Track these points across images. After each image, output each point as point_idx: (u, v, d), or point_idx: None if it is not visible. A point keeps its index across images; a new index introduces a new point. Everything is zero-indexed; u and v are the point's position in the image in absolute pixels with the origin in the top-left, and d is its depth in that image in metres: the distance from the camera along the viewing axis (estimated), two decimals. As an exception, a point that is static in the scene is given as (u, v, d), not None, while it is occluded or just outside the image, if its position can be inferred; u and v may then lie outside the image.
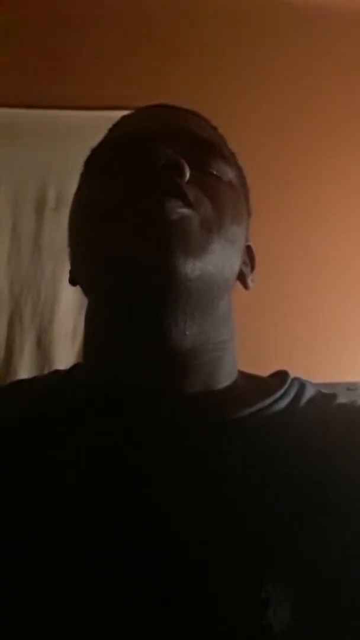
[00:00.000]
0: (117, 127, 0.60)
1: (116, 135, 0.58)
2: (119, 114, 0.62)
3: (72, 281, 0.59)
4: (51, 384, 0.58)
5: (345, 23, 1.77)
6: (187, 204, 0.49)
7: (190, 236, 0.48)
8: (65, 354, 1.60)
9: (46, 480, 0.47)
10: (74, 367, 0.60)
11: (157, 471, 0.46)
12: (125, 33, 1.70)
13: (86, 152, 0.58)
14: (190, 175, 0.50)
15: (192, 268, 0.48)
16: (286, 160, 1.71)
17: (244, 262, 0.58)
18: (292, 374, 0.58)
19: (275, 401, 0.52)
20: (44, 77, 1.63)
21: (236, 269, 0.56)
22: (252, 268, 0.61)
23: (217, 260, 0.50)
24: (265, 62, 1.74)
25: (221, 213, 0.51)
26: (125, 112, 0.62)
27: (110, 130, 0.60)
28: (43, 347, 1.60)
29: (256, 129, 1.65)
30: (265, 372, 0.60)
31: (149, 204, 0.48)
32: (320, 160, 1.74)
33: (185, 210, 0.49)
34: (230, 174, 0.56)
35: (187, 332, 0.50)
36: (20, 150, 1.62)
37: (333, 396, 0.56)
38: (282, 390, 0.54)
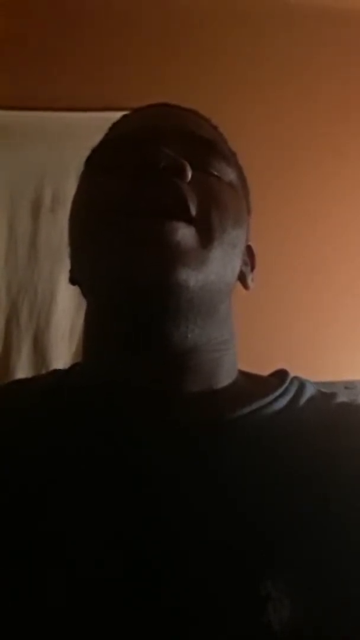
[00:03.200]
0: (117, 127, 0.60)
1: (117, 134, 0.57)
2: (115, 115, 0.61)
3: (72, 281, 0.59)
4: (50, 383, 0.57)
5: (343, 19, 1.77)
6: (189, 220, 0.49)
7: (191, 252, 0.48)
8: (63, 354, 1.60)
9: (46, 480, 0.47)
10: (72, 367, 0.60)
11: (157, 471, 0.46)
12: (122, 33, 1.70)
13: (82, 154, 0.58)
14: (192, 176, 0.50)
15: (195, 280, 0.48)
16: (285, 158, 1.71)
17: (244, 262, 0.58)
18: (291, 372, 0.58)
19: (275, 400, 0.52)
20: (40, 79, 1.63)
21: (237, 271, 0.56)
22: (252, 267, 0.61)
23: (219, 267, 0.50)
24: (264, 60, 1.74)
25: (223, 218, 0.51)
26: (122, 113, 0.61)
27: (111, 129, 0.60)
28: (40, 347, 1.60)
29: (255, 127, 1.65)
30: (265, 371, 0.60)
31: (150, 224, 0.48)
32: (319, 157, 1.74)
33: (186, 230, 0.49)
34: (231, 175, 0.56)
35: (189, 336, 0.50)
36: (16, 152, 1.62)
37: (333, 395, 0.56)
38: (282, 389, 0.54)
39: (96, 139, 0.59)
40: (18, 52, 1.65)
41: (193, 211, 0.49)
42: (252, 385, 0.56)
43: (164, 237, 0.47)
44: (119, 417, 0.51)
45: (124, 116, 0.61)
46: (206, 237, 0.50)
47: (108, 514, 0.45)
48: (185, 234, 0.48)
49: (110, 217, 0.49)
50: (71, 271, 0.58)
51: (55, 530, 0.44)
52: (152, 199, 0.48)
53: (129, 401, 0.51)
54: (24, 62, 1.64)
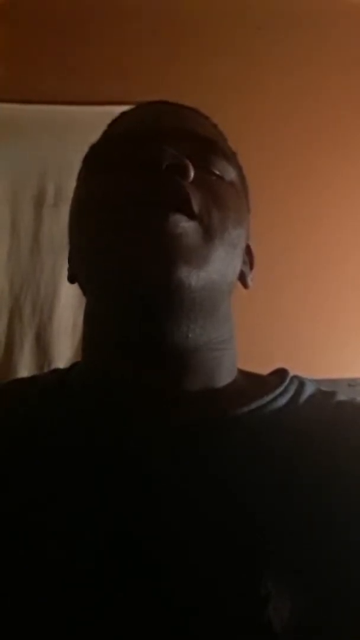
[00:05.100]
0: (116, 124, 0.59)
1: (117, 132, 0.57)
2: (118, 109, 0.61)
3: (71, 278, 0.59)
4: (50, 383, 0.57)
5: (345, 16, 1.76)
6: (191, 215, 0.49)
7: (193, 248, 0.48)
8: (65, 349, 1.60)
9: (46, 480, 0.47)
10: (73, 366, 0.60)
11: (157, 470, 0.46)
12: (125, 28, 1.69)
13: (85, 148, 0.58)
14: (194, 175, 0.49)
15: (197, 279, 0.47)
16: (286, 155, 1.71)
17: (243, 261, 0.58)
18: (293, 370, 0.58)
19: (274, 399, 0.52)
20: (43, 72, 1.63)
21: (238, 271, 0.55)
22: (251, 266, 0.61)
23: (221, 266, 0.50)
24: (264, 57, 1.73)
25: (225, 217, 0.51)
26: (124, 108, 0.61)
27: (110, 126, 0.59)
28: (42, 343, 1.60)
29: (256, 124, 1.65)
30: (265, 369, 0.60)
31: (152, 217, 0.47)
32: (320, 156, 1.73)
33: (188, 224, 0.48)
34: (232, 174, 0.55)
35: (190, 335, 0.50)
36: (19, 146, 1.61)
37: (332, 394, 0.56)
38: (281, 388, 0.54)
39: (99, 133, 0.58)
40: (21, 45, 1.65)
41: (196, 208, 0.49)
42: (251, 384, 0.56)
43: (165, 230, 0.47)
44: (119, 416, 0.51)
45: (123, 113, 0.60)
46: (208, 234, 0.49)
47: (109, 512, 0.45)
48: (186, 227, 0.48)
49: (111, 215, 0.49)
50: (70, 269, 0.58)
51: (55, 528, 0.44)
52: (154, 194, 0.48)
53: (129, 401, 0.51)
54: (27, 56, 1.64)
